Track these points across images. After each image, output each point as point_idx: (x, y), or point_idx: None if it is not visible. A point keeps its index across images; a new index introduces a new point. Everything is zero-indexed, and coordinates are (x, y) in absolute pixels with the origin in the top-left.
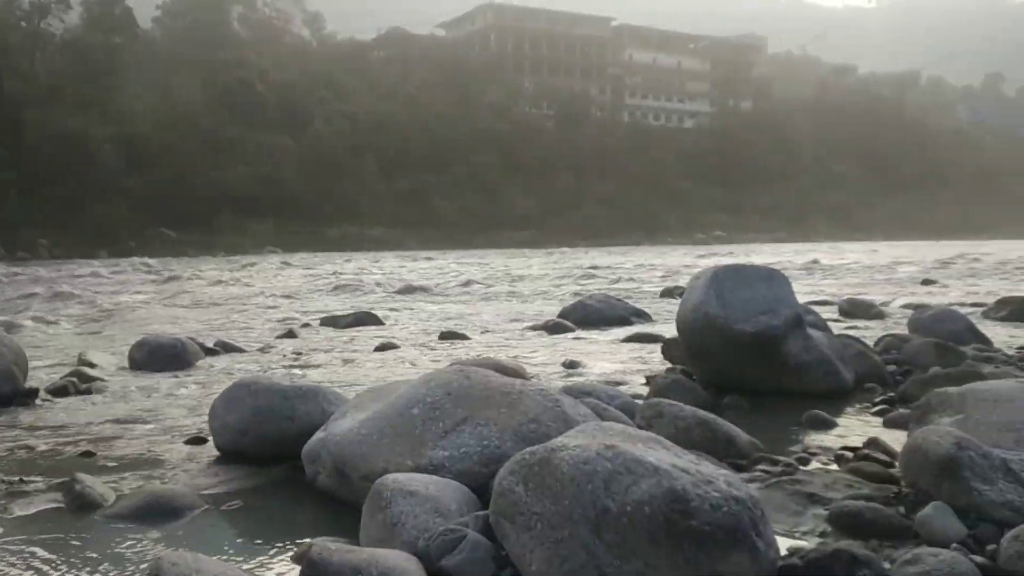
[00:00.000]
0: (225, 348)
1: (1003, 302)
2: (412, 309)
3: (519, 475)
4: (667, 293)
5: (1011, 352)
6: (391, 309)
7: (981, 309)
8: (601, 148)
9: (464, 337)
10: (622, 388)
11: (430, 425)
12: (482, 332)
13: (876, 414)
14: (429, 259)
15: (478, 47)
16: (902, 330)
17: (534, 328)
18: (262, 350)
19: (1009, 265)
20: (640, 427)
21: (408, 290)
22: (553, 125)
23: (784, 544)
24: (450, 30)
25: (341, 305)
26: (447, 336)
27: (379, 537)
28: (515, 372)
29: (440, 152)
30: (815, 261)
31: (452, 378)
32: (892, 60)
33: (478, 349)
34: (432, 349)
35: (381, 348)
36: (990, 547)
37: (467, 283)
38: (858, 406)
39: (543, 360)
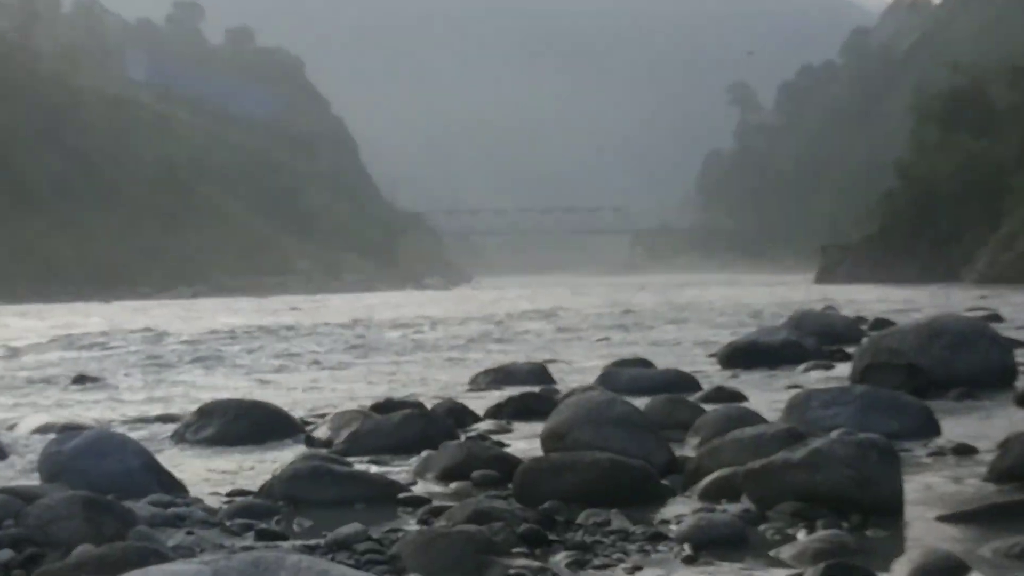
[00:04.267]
0: None
1: (208, 411)
2: None
3: None
4: None
5: (218, 502)
6: None
7: (175, 425)
8: None
9: None
10: None
11: None
12: None
13: None
14: None
15: None
16: (35, 477)
17: None
18: None
19: (211, 338)
20: None
21: None
22: None
23: None
24: None
25: None
26: None
27: None
28: None
29: None
30: None
31: None
32: None
33: None
34: None
35: None
36: None
37: None
38: None
39: None
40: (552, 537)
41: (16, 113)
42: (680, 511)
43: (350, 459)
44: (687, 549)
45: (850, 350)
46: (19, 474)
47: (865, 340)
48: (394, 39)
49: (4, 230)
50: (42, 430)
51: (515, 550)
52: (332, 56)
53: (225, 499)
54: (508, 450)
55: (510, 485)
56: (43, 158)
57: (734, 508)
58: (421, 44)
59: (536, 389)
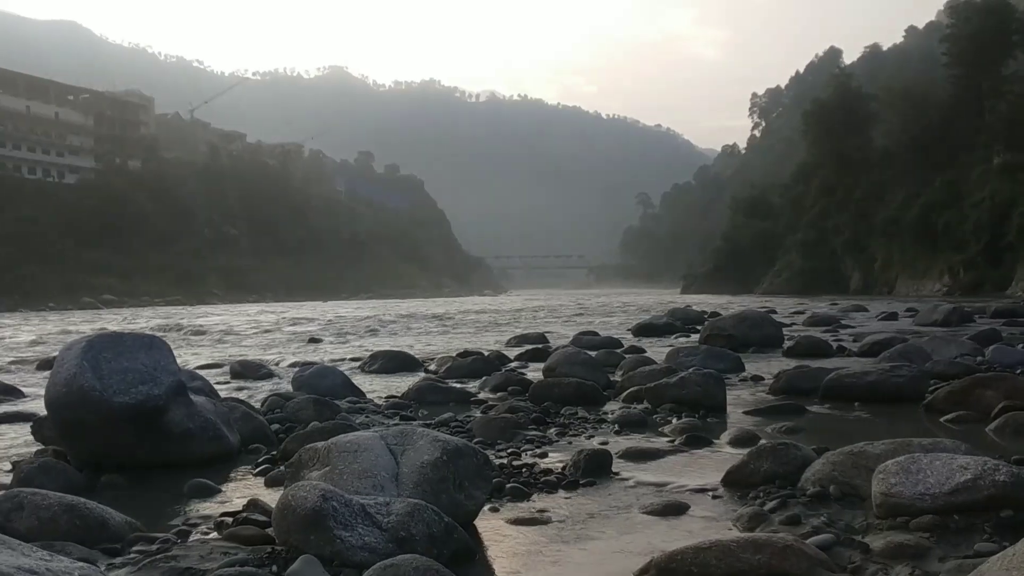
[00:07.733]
0: None
1: (376, 356)
2: None
3: None
4: (44, 365)
5: (381, 401)
6: None
7: (359, 363)
8: None
9: None
10: None
11: None
12: None
13: (259, 475)
14: None
15: None
16: (288, 388)
17: None
18: None
19: (377, 321)
20: None
21: None
22: None
23: None
24: None
25: None
26: None
27: None
28: None
29: None
30: (199, 327)
31: None
32: (276, 130)
33: None
34: None
35: None
36: None
37: None
38: (243, 469)
39: None
40: (548, 420)
41: (278, 207)
42: (613, 408)
43: (448, 380)
44: (616, 427)
45: (699, 327)
46: (280, 386)
47: (706, 322)
48: (465, 166)
49: (266, 264)
50: (293, 365)
51: (529, 427)
52: (437, 174)
53: (384, 400)
54: (527, 376)
55: (527, 394)
56: (295, 232)
57: (640, 407)
58: (481, 168)
59: (540, 346)
